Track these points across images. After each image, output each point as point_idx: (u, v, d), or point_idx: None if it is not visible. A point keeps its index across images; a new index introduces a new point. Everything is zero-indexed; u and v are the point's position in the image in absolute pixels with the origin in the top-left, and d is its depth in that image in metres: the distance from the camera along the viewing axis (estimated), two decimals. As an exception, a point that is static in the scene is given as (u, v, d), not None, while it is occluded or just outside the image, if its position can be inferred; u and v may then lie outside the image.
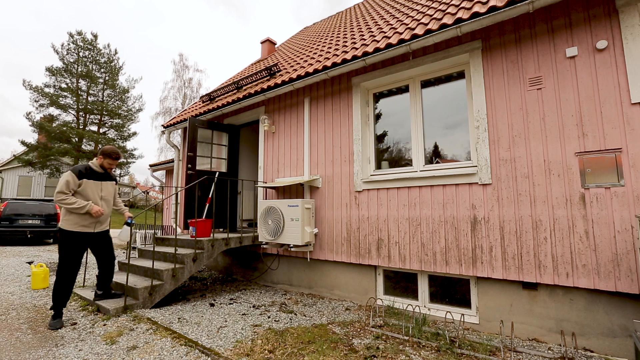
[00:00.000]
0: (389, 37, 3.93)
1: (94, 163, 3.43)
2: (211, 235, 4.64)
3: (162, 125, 7.34)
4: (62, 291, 3.22)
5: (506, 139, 3.16)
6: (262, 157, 5.47)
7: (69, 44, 26.41)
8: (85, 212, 3.23)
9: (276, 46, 10.61)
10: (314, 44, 6.88)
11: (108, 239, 3.64)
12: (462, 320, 2.97)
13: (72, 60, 26.44)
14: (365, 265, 4.10)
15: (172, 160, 10.03)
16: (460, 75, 3.69)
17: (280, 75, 5.47)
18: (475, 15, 3.14)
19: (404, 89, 4.13)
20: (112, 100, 28.38)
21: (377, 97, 4.41)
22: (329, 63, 4.31)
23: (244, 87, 6.06)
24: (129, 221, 3.62)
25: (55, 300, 3.20)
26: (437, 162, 3.80)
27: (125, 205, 3.88)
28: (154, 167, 11.42)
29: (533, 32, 3.12)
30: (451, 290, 3.52)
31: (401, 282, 3.90)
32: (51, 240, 10.76)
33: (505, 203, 3.10)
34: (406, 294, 3.83)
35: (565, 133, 2.86)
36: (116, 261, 3.99)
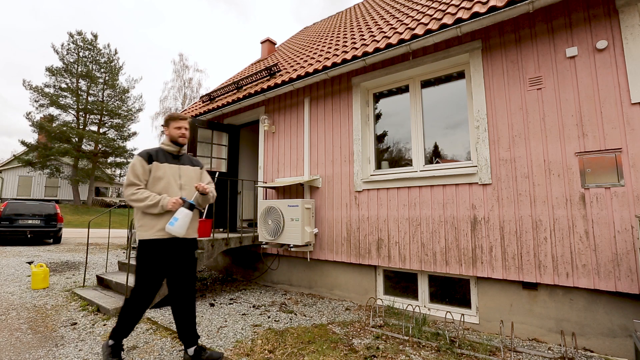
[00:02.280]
0: (389, 37, 3.93)
1: (165, 142, 2.55)
2: (211, 235, 4.64)
3: (162, 126, 7.33)
4: (130, 316, 2.33)
5: (506, 139, 3.16)
6: (262, 157, 5.46)
7: (69, 44, 26.43)
8: (159, 210, 2.28)
9: (276, 46, 10.61)
10: (314, 44, 6.88)
11: (193, 254, 2.52)
12: (462, 320, 2.97)
13: (72, 60, 26.46)
14: (365, 265, 4.10)
15: (172, 160, 10.00)
16: (460, 75, 3.69)
17: (280, 75, 5.47)
18: (475, 15, 3.14)
19: (404, 89, 4.13)
20: (112, 100, 28.40)
21: (377, 97, 4.41)
22: (329, 63, 4.31)
23: (244, 87, 6.06)
24: (190, 201, 2.32)
25: (119, 324, 2.34)
26: (437, 162, 3.79)
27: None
28: (154, 167, 11.39)
29: (533, 32, 3.12)
30: (451, 290, 3.52)
31: (401, 282, 3.90)
32: (51, 240, 10.75)
33: (505, 203, 3.10)
34: (406, 294, 3.83)
35: (565, 133, 2.86)
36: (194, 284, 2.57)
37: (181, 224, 2.25)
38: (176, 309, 2.42)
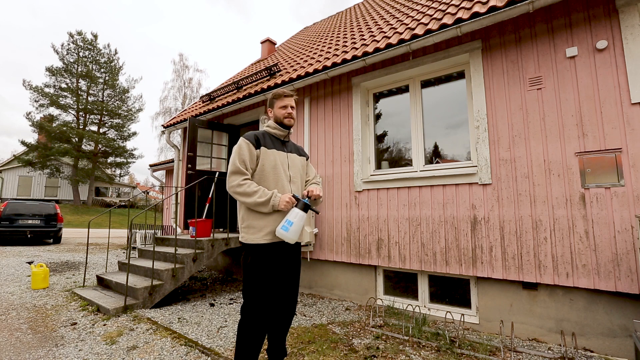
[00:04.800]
0: (389, 37, 3.93)
1: (270, 124, 2.15)
2: (211, 235, 4.64)
3: (162, 125, 7.34)
4: (250, 344, 1.97)
5: (506, 139, 3.16)
6: (262, 157, 5.45)
7: (68, 44, 26.46)
8: (269, 210, 1.93)
9: (276, 46, 10.62)
10: (314, 44, 6.88)
11: (300, 259, 2.21)
12: (462, 320, 2.97)
13: (72, 60, 26.49)
14: (365, 265, 4.10)
15: (172, 160, 10.03)
16: (460, 75, 3.69)
17: (280, 75, 5.47)
18: (475, 15, 3.14)
19: (404, 89, 4.13)
20: (112, 100, 28.42)
21: (377, 97, 4.41)
22: (329, 63, 4.31)
23: (244, 87, 6.06)
24: (304, 201, 1.97)
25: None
26: (437, 162, 3.79)
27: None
28: (154, 167, 11.42)
29: (533, 32, 3.12)
30: (451, 290, 3.52)
31: (401, 282, 3.90)
32: (51, 240, 10.76)
33: (505, 203, 3.10)
34: (406, 294, 3.83)
35: (565, 133, 2.86)
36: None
37: (296, 228, 1.90)
38: (274, 322, 2.10)
